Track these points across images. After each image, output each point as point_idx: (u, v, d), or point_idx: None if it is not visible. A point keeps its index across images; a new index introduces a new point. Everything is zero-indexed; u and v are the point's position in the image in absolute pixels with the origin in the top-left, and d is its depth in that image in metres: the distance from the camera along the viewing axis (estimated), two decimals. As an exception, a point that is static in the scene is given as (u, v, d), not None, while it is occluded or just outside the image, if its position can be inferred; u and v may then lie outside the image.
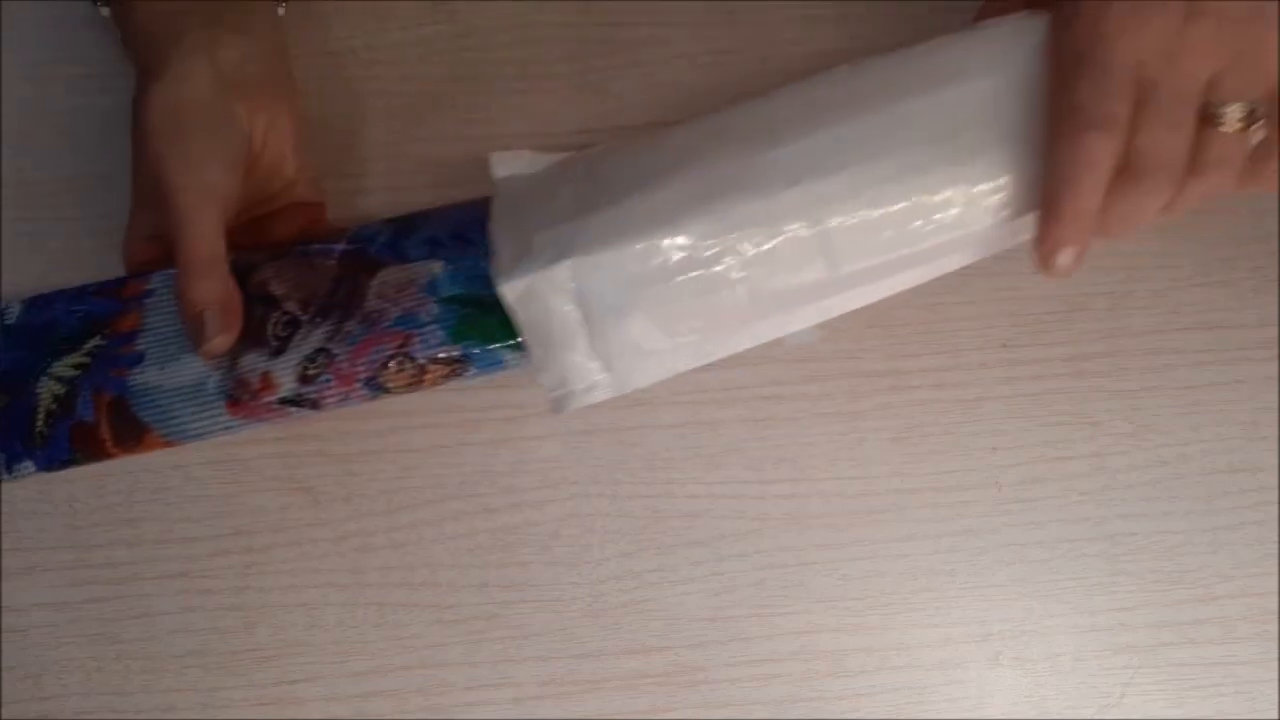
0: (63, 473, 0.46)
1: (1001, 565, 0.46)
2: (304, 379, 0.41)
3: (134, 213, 0.44)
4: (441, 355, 0.41)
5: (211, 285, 0.41)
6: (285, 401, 0.42)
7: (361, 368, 0.41)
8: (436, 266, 0.42)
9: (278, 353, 0.42)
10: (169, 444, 0.42)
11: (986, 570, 0.46)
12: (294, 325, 0.42)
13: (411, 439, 0.46)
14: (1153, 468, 0.47)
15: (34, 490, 0.46)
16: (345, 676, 0.45)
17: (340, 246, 0.44)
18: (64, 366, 0.43)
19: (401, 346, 0.41)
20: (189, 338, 0.41)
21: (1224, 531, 0.46)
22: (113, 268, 0.47)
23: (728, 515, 0.46)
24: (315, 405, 0.42)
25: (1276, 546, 0.46)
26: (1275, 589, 0.46)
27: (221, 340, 0.41)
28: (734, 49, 0.49)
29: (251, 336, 0.42)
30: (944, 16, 0.48)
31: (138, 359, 0.42)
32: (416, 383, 0.42)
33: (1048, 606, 0.46)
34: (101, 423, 0.42)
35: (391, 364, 0.41)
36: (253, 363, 0.42)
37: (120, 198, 0.47)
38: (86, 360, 0.43)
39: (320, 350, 0.42)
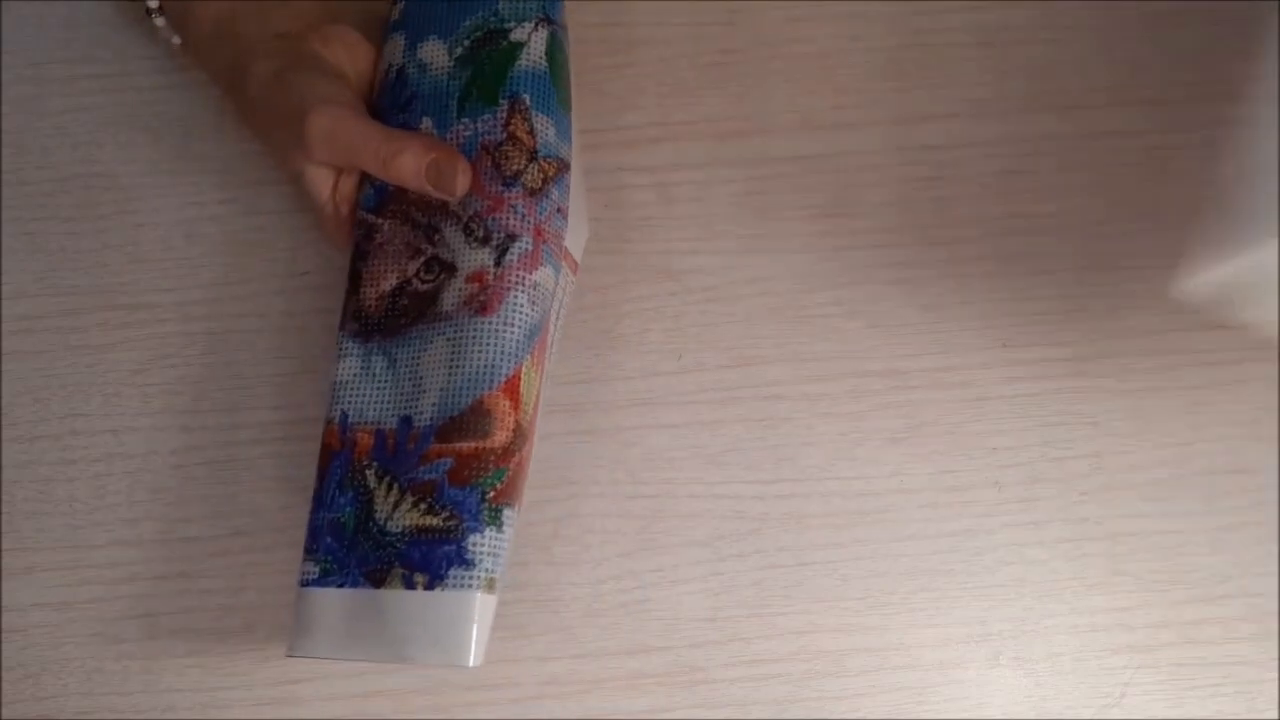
0: (63, 472, 0.46)
1: (1001, 565, 0.46)
2: (491, 244, 0.42)
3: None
4: (509, 119, 0.43)
5: (417, 141, 0.42)
6: (509, 265, 0.42)
7: (498, 191, 0.42)
8: (427, 122, 0.44)
9: (451, 269, 0.42)
10: (515, 381, 0.42)
11: (986, 570, 0.46)
12: (434, 262, 0.42)
13: (411, 439, 0.46)
14: (1153, 468, 0.47)
15: (34, 490, 0.46)
16: (345, 676, 0.45)
17: (371, 218, 0.44)
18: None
19: (490, 151, 0.43)
20: (440, 189, 0.42)
21: (1224, 531, 0.46)
22: (113, 267, 0.47)
23: (728, 515, 0.46)
24: (512, 237, 0.42)
25: (1276, 546, 0.46)
26: (1275, 589, 0.46)
27: (466, 177, 0.42)
28: (734, 49, 0.49)
29: (425, 302, 0.42)
30: (943, 17, 0.49)
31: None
32: (524, 147, 0.43)
33: (1048, 606, 0.46)
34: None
35: (503, 162, 0.43)
36: (453, 296, 0.42)
37: (120, 197, 0.47)
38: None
39: (466, 224, 0.42)
